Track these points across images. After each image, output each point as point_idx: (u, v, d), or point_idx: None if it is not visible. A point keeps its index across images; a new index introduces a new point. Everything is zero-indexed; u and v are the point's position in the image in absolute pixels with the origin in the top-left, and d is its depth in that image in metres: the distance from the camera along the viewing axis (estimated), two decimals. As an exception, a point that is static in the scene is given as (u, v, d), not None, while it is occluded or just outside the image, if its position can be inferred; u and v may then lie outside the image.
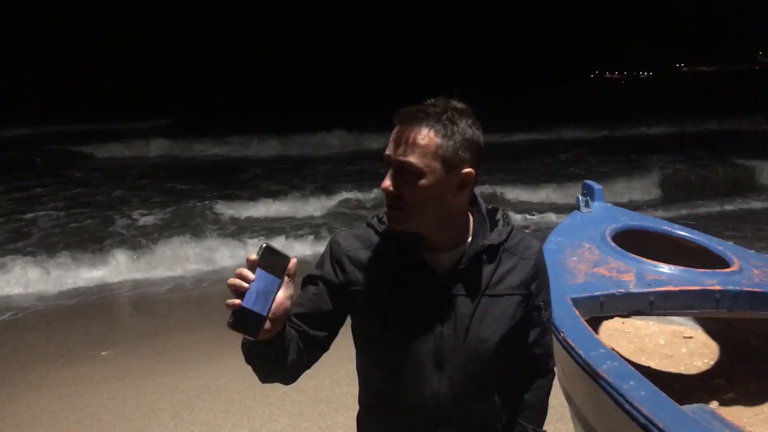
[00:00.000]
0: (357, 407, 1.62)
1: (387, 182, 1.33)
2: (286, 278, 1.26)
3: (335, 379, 4.30)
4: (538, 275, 1.52)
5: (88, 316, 6.29)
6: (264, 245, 1.24)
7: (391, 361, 1.44)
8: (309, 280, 1.49)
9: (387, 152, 1.34)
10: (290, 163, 17.52)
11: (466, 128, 1.34)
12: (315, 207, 11.30)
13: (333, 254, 1.47)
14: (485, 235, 1.45)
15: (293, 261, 1.27)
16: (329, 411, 4.03)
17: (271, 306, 1.24)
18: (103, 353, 5.28)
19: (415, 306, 1.40)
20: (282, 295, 1.25)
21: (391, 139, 1.34)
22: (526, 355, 1.59)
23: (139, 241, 8.77)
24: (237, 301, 1.19)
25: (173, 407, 4.23)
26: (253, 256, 1.22)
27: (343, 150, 20.22)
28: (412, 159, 1.30)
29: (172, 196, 12.57)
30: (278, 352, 1.32)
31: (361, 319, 1.47)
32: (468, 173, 1.35)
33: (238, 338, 1.27)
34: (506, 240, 1.47)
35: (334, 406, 4.07)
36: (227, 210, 10.86)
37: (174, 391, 4.46)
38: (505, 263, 1.46)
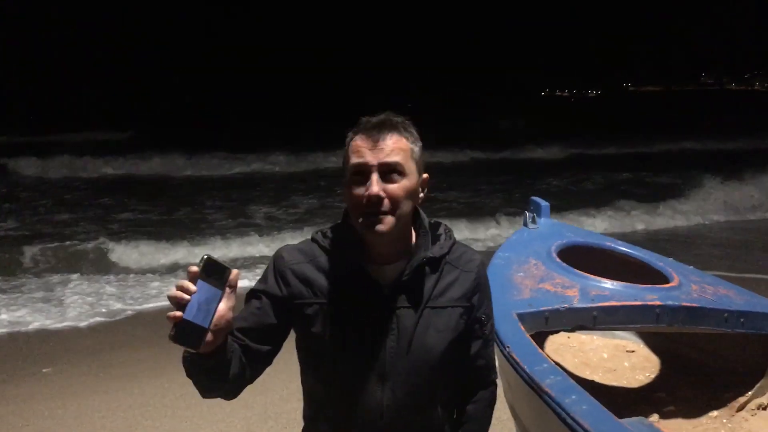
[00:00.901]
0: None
1: (376, 187, 1.35)
2: (227, 290, 1.25)
3: (284, 395, 4.26)
4: (480, 288, 1.56)
5: (28, 333, 6.08)
6: (205, 256, 1.24)
7: (335, 373, 1.46)
8: (252, 295, 1.49)
9: (365, 160, 1.36)
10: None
11: (418, 138, 1.44)
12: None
13: (277, 268, 1.48)
14: (427, 247, 1.49)
15: (235, 272, 1.26)
16: (278, 428, 3.98)
17: (212, 318, 1.23)
18: (44, 370, 5.11)
19: (359, 318, 1.43)
20: (223, 306, 1.24)
21: (362, 148, 1.37)
22: (468, 367, 1.61)
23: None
24: (178, 313, 1.18)
25: (117, 426, 4.11)
26: (195, 268, 1.21)
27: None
28: (398, 159, 1.37)
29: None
30: (220, 365, 1.31)
31: (305, 333, 1.47)
32: (426, 177, 1.48)
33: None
34: (448, 253, 1.51)
35: (283, 423, 4.02)
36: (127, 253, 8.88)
37: (118, 408, 4.34)
38: (447, 276, 1.50)
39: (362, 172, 1.37)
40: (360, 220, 1.38)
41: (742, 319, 2.80)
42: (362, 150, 1.37)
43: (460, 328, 1.51)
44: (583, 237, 3.57)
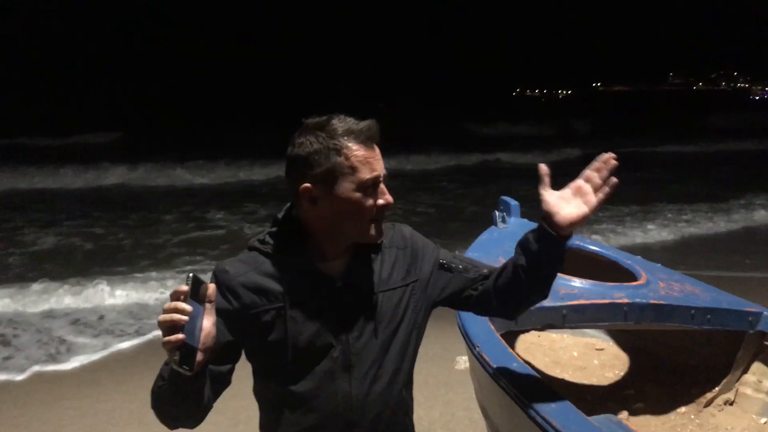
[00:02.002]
0: None
1: (390, 197, 1.43)
2: (207, 305, 1.23)
3: (254, 399, 4.20)
4: (419, 253, 1.60)
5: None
6: (192, 274, 1.21)
7: (301, 372, 1.45)
8: None
9: (377, 172, 1.39)
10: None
11: None
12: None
13: (223, 283, 1.43)
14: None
15: (212, 286, 1.26)
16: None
17: (199, 337, 1.20)
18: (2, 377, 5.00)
19: (318, 315, 1.43)
20: (208, 323, 1.23)
21: (371, 159, 1.38)
22: (479, 292, 1.63)
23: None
24: (181, 336, 1.15)
25: (82, 433, 4.04)
26: (184, 287, 1.18)
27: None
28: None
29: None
30: (201, 389, 1.29)
31: (263, 341, 1.44)
32: None
33: (153, 359, 1.21)
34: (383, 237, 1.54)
35: (253, 427, 3.96)
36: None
37: (84, 416, 4.26)
38: (389, 257, 1.54)
39: (374, 184, 1.40)
40: (367, 228, 1.42)
41: (708, 316, 2.83)
42: (371, 162, 1.38)
43: (412, 303, 1.55)
44: None
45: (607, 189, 1.44)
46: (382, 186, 1.41)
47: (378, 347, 1.48)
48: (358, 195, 1.38)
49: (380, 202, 1.41)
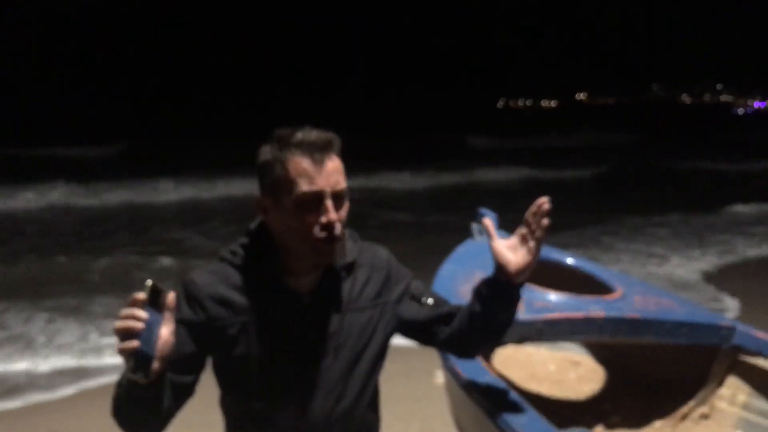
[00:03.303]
0: None
1: (334, 215, 1.34)
2: (166, 313, 1.22)
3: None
4: (392, 278, 1.58)
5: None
6: (150, 283, 1.20)
7: (264, 389, 1.43)
8: None
9: (319, 188, 1.32)
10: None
11: None
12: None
13: (190, 294, 1.42)
14: (342, 254, 1.49)
15: (172, 294, 1.24)
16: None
17: (155, 344, 1.19)
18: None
19: (283, 330, 1.41)
20: (166, 331, 1.21)
21: (311, 172, 1.31)
22: (434, 331, 1.63)
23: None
24: (135, 342, 1.14)
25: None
26: (141, 295, 1.17)
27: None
28: (344, 185, 1.37)
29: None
30: (158, 396, 1.27)
31: (227, 354, 1.43)
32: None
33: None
34: (358, 255, 1.53)
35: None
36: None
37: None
38: (361, 277, 1.52)
39: (315, 200, 1.32)
40: (310, 247, 1.35)
41: (683, 330, 2.83)
42: (311, 175, 1.31)
43: (380, 324, 1.53)
44: None
45: (539, 233, 1.47)
46: (327, 203, 1.33)
47: (344, 366, 1.47)
48: (296, 210, 1.33)
49: (322, 219, 1.33)
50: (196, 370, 1.44)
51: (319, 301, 1.45)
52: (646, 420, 3.06)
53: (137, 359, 1.15)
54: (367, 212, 12.46)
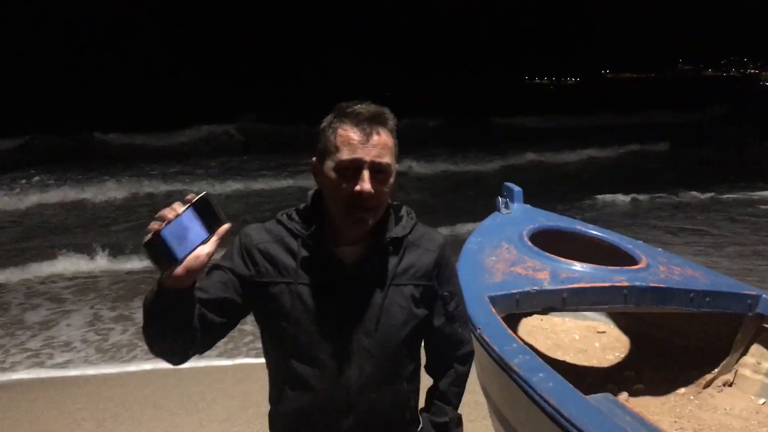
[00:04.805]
0: None
1: (368, 185, 1.37)
2: (214, 237, 1.23)
3: (264, 384, 4.25)
4: (441, 266, 1.60)
5: None
6: (204, 193, 1.22)
7: (300, 351, 1.48)
8: (216, 268, 1.49)
9: (358, 155, 1.37)
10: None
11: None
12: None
13: (244, 246, 1.49)
14: (391, 228, 1.53)
15: (227, 225, 1.24)
16: (258, 415, 4.01)
17: (187, 253, 1.20)
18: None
19: (324, 297, 1.46)
20: (204, 250, 1.21)
21: (354, 142, 1.37)
22: (433, 342, 1.68)
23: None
24: (157, 225, 1.18)
25: (96, 416, 4.12)
26: (191, 195, 1.21)
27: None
28: (388, 160, 1.40)
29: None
30: (184, 308, 1.28)
31: (269, 312, 1.50)
32: (396, 169, 1.47)
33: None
34: (410, 233, 1.56)
35: (264, 410, 4.03)
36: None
37: (97, 399, 4.36)
38: (409, 255, 1.55)
39: (353, 168, 1.38)
40: (344, 212, 1.41)
41: (707, 299, 2.88)
42: (354, 144, 1.37)
43: (421, 304, 1.56)
44: (554, 221, 3.63)
45: None
46: (365, 173, 1.37)
47: (382, 338, 1.49)
48: (334, 175, 1.39)
49: (356, 188, 1.37)
50: (231, 317, 1.48)
51: (362, 272, 1.48)
52: (670, 387, 3.11)
53: (158, 248, 1.17)
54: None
